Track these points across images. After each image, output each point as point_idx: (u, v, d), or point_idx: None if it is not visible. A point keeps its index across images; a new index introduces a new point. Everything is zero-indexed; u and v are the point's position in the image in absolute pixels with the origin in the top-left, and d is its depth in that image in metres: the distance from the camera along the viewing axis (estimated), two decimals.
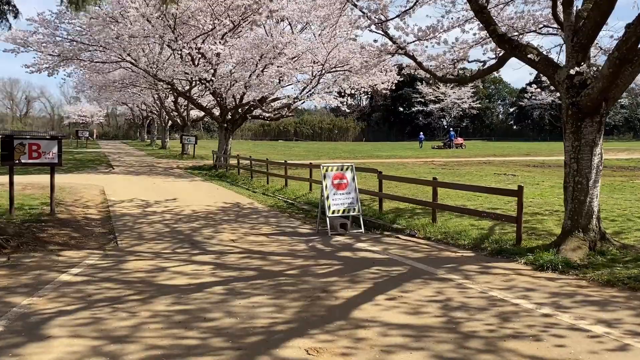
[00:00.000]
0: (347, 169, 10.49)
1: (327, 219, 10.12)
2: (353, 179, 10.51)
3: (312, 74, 23.20)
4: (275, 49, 21.46)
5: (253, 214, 12.77)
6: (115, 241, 9.43)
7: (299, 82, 23.58)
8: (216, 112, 30.05)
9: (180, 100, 42.00)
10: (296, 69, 23.16)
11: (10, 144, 10.79)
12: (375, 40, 12.07)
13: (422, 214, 11.47)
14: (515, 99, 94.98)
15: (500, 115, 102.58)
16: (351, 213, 10.36)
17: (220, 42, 22.62)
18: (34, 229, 9.91)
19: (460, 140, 54.86)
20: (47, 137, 11.25)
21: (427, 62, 12.20)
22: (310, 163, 16.10)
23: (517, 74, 65.38)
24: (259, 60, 22.54)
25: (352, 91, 24.56)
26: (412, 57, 11.43)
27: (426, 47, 12.02)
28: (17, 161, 10.90)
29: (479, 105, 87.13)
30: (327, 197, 10.14)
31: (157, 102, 45.35)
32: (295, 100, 23.24)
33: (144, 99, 47.69)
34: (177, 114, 42.62)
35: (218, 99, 26.24)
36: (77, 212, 12.03)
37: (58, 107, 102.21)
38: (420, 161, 33.46)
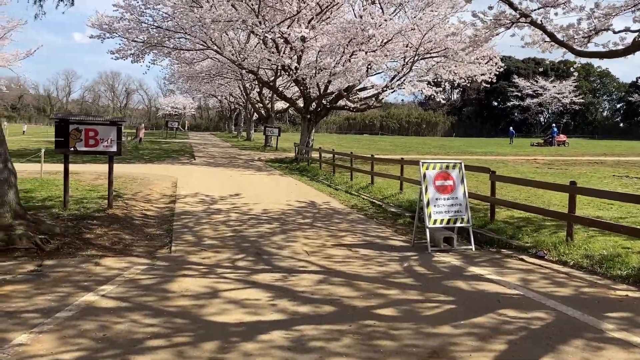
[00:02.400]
0: (453, 168, 8.24)
1: (427, 230, 7.94)
2: (461, 180, 8.24)
3: (404, 59, 20.86)
4: (364, 31, 19.39)
5: (334, 216, 10.84)
6: (169, 247, 7.87)
7: (389, 69, 21.33)
8: (300, 103, 28.60)
9: (265, 91, 41.20)
10: (386, 55, 20.92)
11: (66, 128, 9.60)
12: (490, 7, 9.70)
13: (549, 228, 8.97)
14: (623, 94, 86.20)
15: (605, 112, 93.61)
16: (458, 224, 8.11)
17: (305, 26, 20.91)
18: (82, 226, 8.60)
19: (562, 137, 49.91)
20: (106, 122, 9.95)
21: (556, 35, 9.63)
22: (402, 158, 13.89)
23: (624, 67, 58.57)
24: (347, 45, 20.58)
25: (450, 77, 21.88)
26: (540, 27, 8.95)
27: (553, 14, 9.45)
28: (72, 148, 9.69)
29: (582, 101, 79.87)
30: (428, 203, 7.95)
31: (243, 93, 44.90)
32: (385, 89, 21.03)
33: (231, 90, 47.55)
34: (261, 105, 41.85)
35: (301, 88, 24.63)
36: (137, 207, 10.71)
37: (155, 99, 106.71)
38: (521, 159, 30.07)
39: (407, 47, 20.25)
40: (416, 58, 19.81)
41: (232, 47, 26.90)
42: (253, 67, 27.11)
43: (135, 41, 22.93)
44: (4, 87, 41.48)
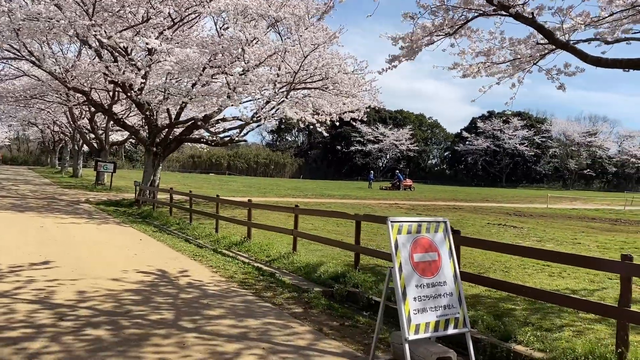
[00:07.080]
0: (435, 230, 4.88)
1: (405, 346, 4.40)
2: (449, 250, 4.91)
3: (275, 85, 17.62)
4: (230, 48, 15.81)
5: (207, 302, 6.76)
6: None
7: (259, 98, 17.85)
8: (144, 133, 23.67)
9: (98, 119, 34.95)
10: (254, 81, 17.45)
11: None
12: None
13: (541, 313, 6.07)
14: (450, 144, 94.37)
15: (435, 159, 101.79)
16: (450, 329, 4.70)
17: (155, 37, 16.67)
18: None
19: (409, 182, 51.81)
20: None
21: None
22: (296, 206, 10.28)
23: (452, 120, 63.48)
24: (208, 63, 16.75)
25: (331, 110, 19.12)
26: (531, 21, 6.23)
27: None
28: None
29: (417, 148, 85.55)
30: (404, 294, 4.45)
31: (70, 121, 37.81)
32: (254, 119, 17.49)
33: (55, 117, 39.91)
34: (93, 136, 35.31)
35: (147, 114, 19.95)
36: None
37: None
38: (383, 203, 28.64)
39: (279, 70, 17.06)
40: (293, 85, 16.67)
41: (56, 60, 21.34)
42: (82, 87, 21.75)
43: None
44: None
